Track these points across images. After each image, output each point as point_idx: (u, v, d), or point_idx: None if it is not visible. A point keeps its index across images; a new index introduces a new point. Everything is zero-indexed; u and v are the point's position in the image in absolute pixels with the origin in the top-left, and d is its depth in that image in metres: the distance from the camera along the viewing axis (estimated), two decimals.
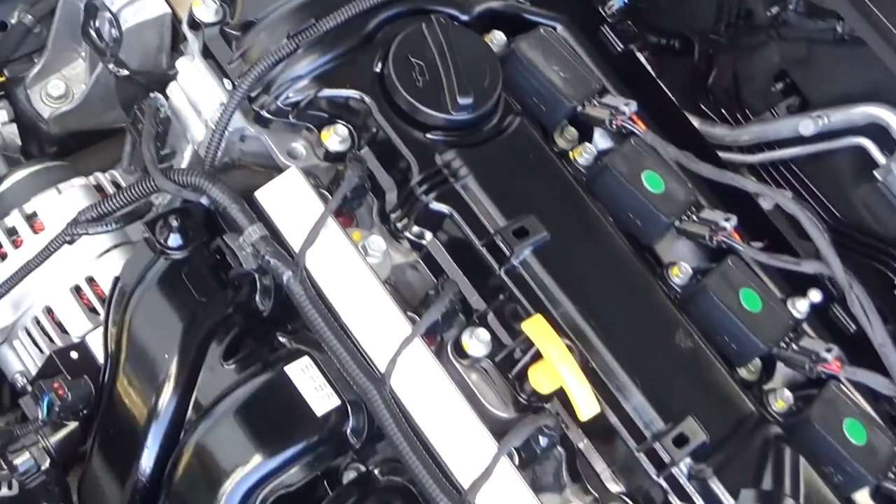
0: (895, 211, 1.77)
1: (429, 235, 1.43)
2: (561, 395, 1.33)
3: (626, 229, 1.48)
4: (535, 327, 1.30)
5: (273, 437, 1.34)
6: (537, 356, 1.33)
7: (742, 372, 1.46)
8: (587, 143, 1.53)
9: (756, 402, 1.41)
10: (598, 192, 1.48)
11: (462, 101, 1.43)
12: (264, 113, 1.47)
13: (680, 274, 1.46)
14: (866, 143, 1.78)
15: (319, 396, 1.35)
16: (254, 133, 1.48)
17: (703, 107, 1.96)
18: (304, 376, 1.36)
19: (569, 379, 1.28)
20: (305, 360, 1.37)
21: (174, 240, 1.40)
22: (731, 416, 1.37)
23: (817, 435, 1.37)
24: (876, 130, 1.76)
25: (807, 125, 1.79)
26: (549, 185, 1.47)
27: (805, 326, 1.48)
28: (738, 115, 1.99)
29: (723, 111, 1.97)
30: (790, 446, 1.35)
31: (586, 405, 1.28)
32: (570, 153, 1.53)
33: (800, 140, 1.81)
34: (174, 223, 1.39)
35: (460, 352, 1.37)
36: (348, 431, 1.36)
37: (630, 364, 1.35)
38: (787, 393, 1.42)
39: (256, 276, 1.38)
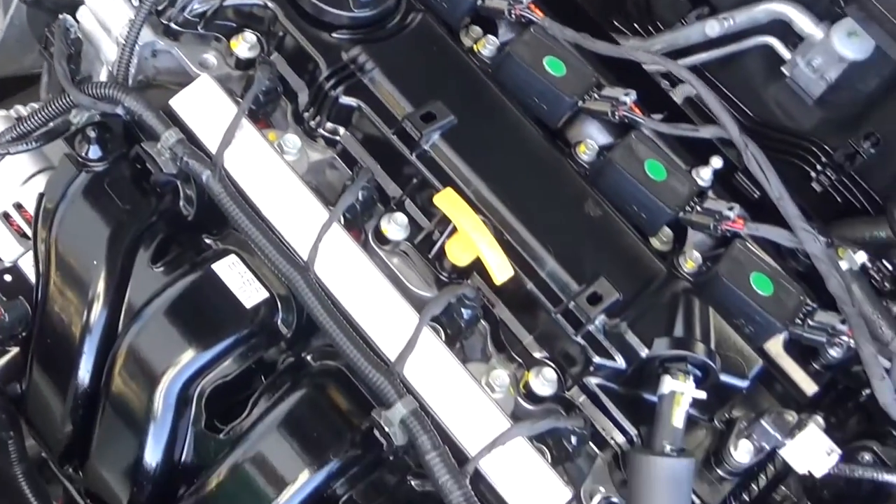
0: (804, 104, 1.85)
1: (342, 130, 1.48)
2: (480, 268, 1.39)
3: (534, 115, 1.53)
4: (447, 200, 1.35)
5: (204, 330, 1.38)
6: (453, 232, 1.39)
7: (655, 243, 1.52)
8: (490, 36, 1.58)
9: (668, 266, 1.47)
10: (504, 80, 1.54)
11: None
12: (173, 25, 1.51)
13: (587, 150, 1.52)
14: (772, 40, 1.85)
15: (248, 290, 1.40)
16: (164, 47, 1.51)
17: (616, 23, 2.01)
18: (232, 272, 1.40)
19: (481, 245, 1.34)
20: (232, 258, 1.42)
21: (94, 152, 1.44)
22: (643, 275, 1.43)
23: (726, 289, 1.44)
24: (780, 27, 1.83)
25: (712, 26, 1.86)
26: (455, 75, 1.52)
27: (710, 194, 1.54)
28: (651, 28, 2.04)
29: (636, 26, 2.02)
30: (700, 299, 1.42)
31: (500, 269, 1.34)
32: (474, 46, 1.58)
33: (709, 45, 1.88)
34: (92, 135, 1.43)
35: (381, 238, 1.42)
36: (278, 322, 1.41)
37: (542, 233, 1.41)
38: (696, 254, 1.49)
39: (178, 182, 1.43)
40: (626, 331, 1.37)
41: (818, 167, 1.78)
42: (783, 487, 1.47)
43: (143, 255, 1.44)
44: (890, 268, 1.62)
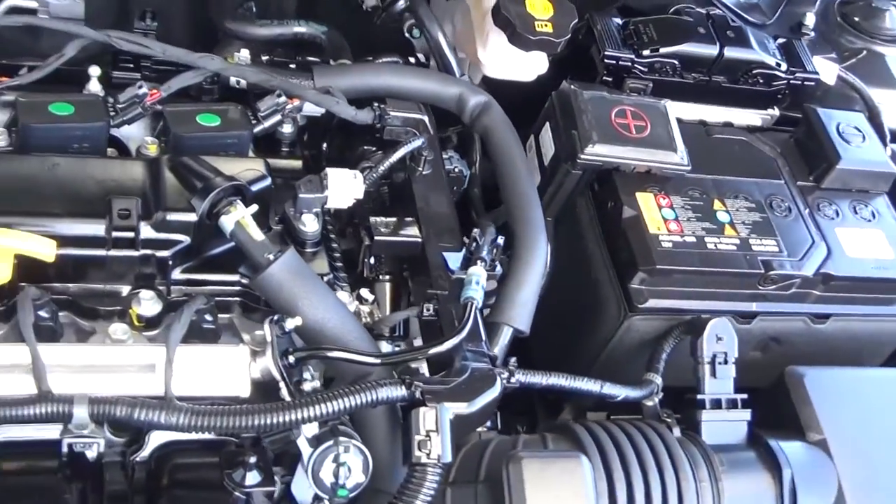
0: None
1: None
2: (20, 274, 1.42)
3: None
4: None
5: None
6: None
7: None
8: None
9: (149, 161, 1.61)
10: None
11: None
12: None
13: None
14: None
15: None
16: None
17: None
18: None
19: (9, 241, 1.37)
20: None
21: None
22: (129, 177, 1.56)
23: (178, 138, 1.65)
24: None
25: None
26: None
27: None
28: None
29: None
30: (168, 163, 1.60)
31: (44, 245, 1.39)
32: None
33: None
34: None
35: None
36: None
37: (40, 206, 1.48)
38: (151, 139, 1.65)
39: None
40: (161, 217, 1.50)
41: None
42: None
43: None
44: None
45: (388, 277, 1.74)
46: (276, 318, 1.43)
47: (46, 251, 1.39)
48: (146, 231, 1.49)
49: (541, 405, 1.98)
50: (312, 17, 2.15)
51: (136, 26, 1.89)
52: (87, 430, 1.34)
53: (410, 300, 1.72)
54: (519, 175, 1.75)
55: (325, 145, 1.91)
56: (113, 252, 1.48)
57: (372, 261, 1.71)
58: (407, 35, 2.08)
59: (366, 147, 1.87)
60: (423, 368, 1.48)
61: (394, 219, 1.71)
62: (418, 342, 1.64)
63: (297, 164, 1.81)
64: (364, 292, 1.64)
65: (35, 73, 1.62)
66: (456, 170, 1.90)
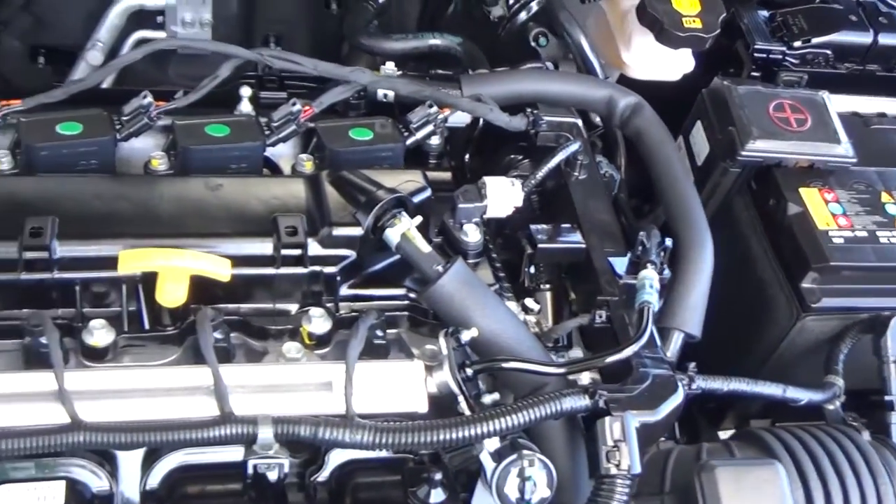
0: None
1: None
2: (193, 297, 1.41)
3: None
4: (133, 258, 1.36)
5: None
6: (149, 289, 1.39)
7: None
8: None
9: (307, 178, 1.60)
10: None
11: None
12: None
13: (159, 162, 1.59)
14: None
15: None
16: None
17: None
18: None
19: (193, 262, 1.36)
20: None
21: None
22: (290, 195, 1.54)
23: (335, 153, 1.64)
24: None
25: None
26: None
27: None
28: None
29: None
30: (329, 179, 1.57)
31: (220, 265, 1.39)
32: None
33: None
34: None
35: (95, 353, 1.38)
36: None
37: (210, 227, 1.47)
38: (305, 156, 1.64)
39: None
40: (328, 233, 1.48)
41: None
42: None
43: None
44: None
45: (547, 286, 1.69)
46: (450, 330, 1.39)
47: (223, 271, 1.38)
48: (313, 248, 1.47)
49: (701, 414, 1.92)
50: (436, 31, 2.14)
51: None
52: (273, 450, 1.31)
53: (571, 309, 1.68)
54: (677, 176, 1.69)
55: (466, 156, 1.88)
56: (282, 270, 1.46)
57: (532, 270, 1.66)
58: (533, 44, 2.04)
59: (511, 156, 1.84)
60: (583, 380, 1.44)
61: (550, 226, 1.67)
62: (576, 352, 1.59)
63: (447, 175, 1.78)
64: (529, 302, 1.60)
65: (191, 96, 1.62)
66: (606, 174, 1.85)
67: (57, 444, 1.23)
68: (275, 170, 1.69)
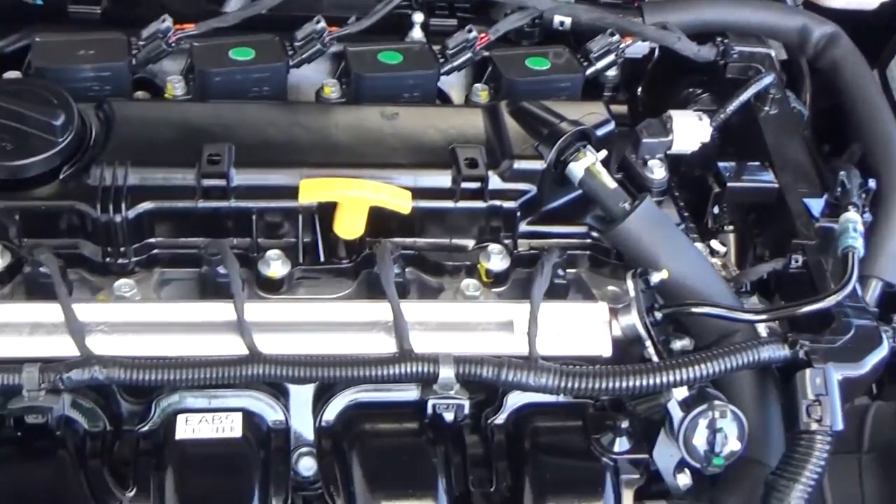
0: None
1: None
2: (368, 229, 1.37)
3: None
4: (313, 187, 1.32)
5: None
6: (326, 221, 1.36)
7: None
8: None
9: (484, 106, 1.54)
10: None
11: None
12: None
13: (331, 90, 1.55)
14: None
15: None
16: None
17: None
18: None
19: (374, 194, 1.31)
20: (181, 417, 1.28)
21: None
22: (470, 127, 1.48)
23: (512, 82, 1.57)
24: None
25: None
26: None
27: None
28: None
29: None
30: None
31: (401, 197, 1.33)
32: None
33: None
34: None
35: (271, 284, 1.35)
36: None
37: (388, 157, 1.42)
38: (481, 85, 1.56)
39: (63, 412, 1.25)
40: (508, 166, 1.41)
41: None
42: None
43: None
44: None
45: (731, 228, 1.59)
46: (638, 271, 1.31)
47: (404, 204, 1.33)
48: (494, 181, 1.40)
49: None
50: None
51: None
52: (453, 390, 1.26)
53: (755, 252, 1.58)
54: (879, 113, 1.57)
55: (639, 89, 1.78)
56: (461, 204, 1.40)
57: (716, 210, 1.57)
58: None
59: (690, 89, 1.73)
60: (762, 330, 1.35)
61: (738, 164, 1.56)
62: (754, 300, 1.49)
63: (622, 109, 1.70)
64: (715, 244, 1.50)
65: (364, 21, 1.56)
66: (794, 110, 1.73)
67: (237, 376, 1.21)
68: (445, 100, 1.63)
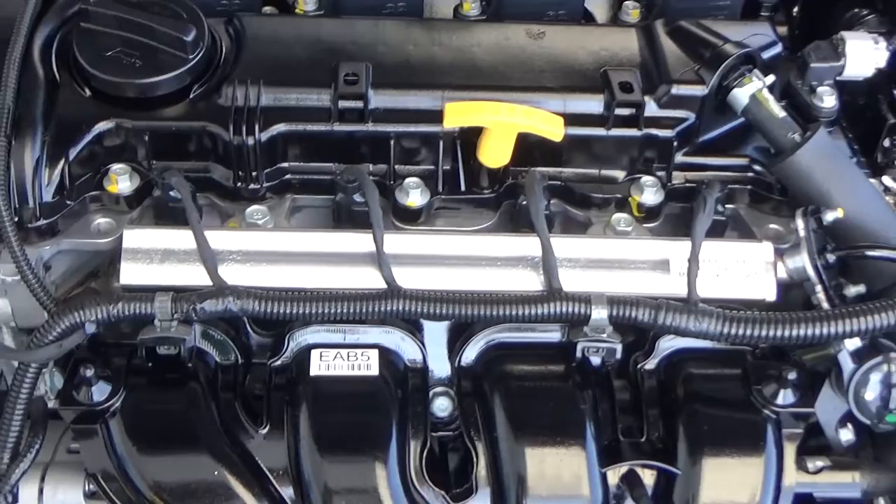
0: None
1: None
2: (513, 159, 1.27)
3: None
4: (459, 111, 1.23)
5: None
6: (471, 145, 1.27)
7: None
8: None
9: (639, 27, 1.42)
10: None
11: None
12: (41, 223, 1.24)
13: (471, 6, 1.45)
14: None
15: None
16: (50, 250, 1.25)
17: None
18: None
19: (525, 119, 1.22)
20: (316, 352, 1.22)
21: (98, 394, 1.18)
22: (620, 46, 1.36)
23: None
24: None
25: None
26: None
27: None
28: None
29: None
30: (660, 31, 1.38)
31: (554, 123, 1.24)
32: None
33: None
34: (88, 374, 1.17)
35: (408, 214, 1.28)
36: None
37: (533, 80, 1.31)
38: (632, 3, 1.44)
39: (195, 343, 1.19)
40: (666, 91, 1.30)
41: None
42: None
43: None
44: None
45: None
46: (810, 208, 1.20)
47: (556, 130, 1.23)
48: (650, 107, 1.29)
49: None
50: None
51: None
52: (605, 333, 1.17)
53: None
54: None
55: (795, 9, 1.64)
56: (613, 132, 1.29)
57: (886, 143, 1.43)
58: None
59: (855, 10, 1.58)
60: None
61: None
62: None
63: (782, 30, 1.56)
64: (887, 180, 1.37)
65: None
66: None
67: (377, 311, 1.14)
68: (589, 19, 1.51)
